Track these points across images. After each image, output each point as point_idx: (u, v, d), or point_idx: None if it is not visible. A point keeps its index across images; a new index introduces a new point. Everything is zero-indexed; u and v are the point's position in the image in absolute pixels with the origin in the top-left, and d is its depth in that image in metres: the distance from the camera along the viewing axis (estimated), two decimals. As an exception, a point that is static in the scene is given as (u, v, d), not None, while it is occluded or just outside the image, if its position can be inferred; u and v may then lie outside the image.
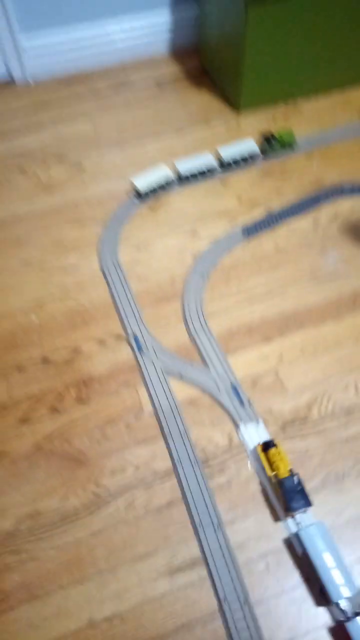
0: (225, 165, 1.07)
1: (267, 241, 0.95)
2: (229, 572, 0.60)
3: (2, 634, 0.58)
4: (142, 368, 0.78)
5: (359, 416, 0.72)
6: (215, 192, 1.04)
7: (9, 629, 0.58)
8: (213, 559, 0.61)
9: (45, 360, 0.80)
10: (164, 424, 0.72)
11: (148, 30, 1.35)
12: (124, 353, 0.80)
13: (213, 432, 0.72)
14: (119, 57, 1.38)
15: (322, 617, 0.58)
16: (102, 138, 1.16)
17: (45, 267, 0.92)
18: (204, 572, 0.61)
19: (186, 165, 1.03)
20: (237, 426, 0.72)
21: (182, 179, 1.04)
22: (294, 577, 0.60)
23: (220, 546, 0.62)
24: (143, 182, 0.99)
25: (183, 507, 0.65)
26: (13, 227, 0.99)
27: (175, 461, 0.69)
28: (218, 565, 0.60)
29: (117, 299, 0.87)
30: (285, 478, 0.63)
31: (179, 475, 0.68)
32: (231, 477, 0.68)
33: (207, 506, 0.65)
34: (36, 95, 1.29)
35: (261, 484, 0.67)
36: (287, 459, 0.66)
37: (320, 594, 0.58)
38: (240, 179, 1.06)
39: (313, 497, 0.65)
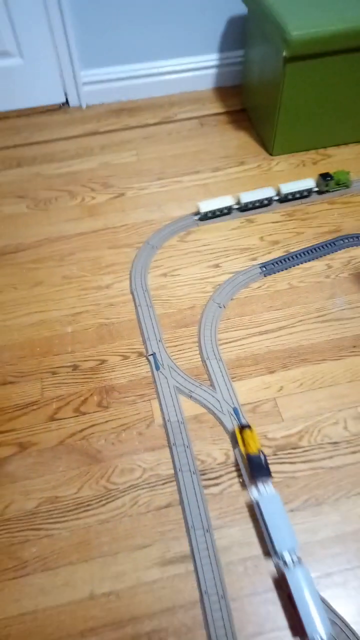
0: (283, 199, 1.18)
1: (282, 280, 1.04)
2: (212, 569, 0.70)
3: (18, 593, 0.70)
4: (157, 384, 0.89)
5: (344, 450, 0.81)
6: (241, 230, 1.14)
7: (24, 590, 0.70)
8: (200, 557, 0.71)
9: (75, 368, 0.92)
10: (170, 436, 0.83)
11: (197, 70, 1.47)
12: (143, 369, 0.92)
13: (213, 448, 0.82)
14: (167, 91, 1.51)
15: (286, 620, 0.67)
16: (144, 169, 1.29)
17: (83, 284, 1.05)
18: (190, 567, 0.71)
19: (248, 196, 1.15)
20: (234, 445, 0.82)
21: (243, 208, 1.17)
22: (268, 582, 0.70)
23: (207, 547, 0.72)
24: (207, 205, 1.13)
25: (179, 510, 0.76)
26: (59, 245, 1.12)
27: (177, 469, 0.79)
28: (203, 562, 0.71)
29: (142, 319, 0.98)
30: (254, 455, 0.76)
31: (178, 481, 0.78)
32: (224, 489, 0.78)
33: (200, 511, 0.75)
34: (88, 122, 1.43)
35: (235, 456, 0.79)
36: (258, 440, 0.79)
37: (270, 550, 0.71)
38: (265, 219, 1.16)
39: (293, 516, 0.74)
